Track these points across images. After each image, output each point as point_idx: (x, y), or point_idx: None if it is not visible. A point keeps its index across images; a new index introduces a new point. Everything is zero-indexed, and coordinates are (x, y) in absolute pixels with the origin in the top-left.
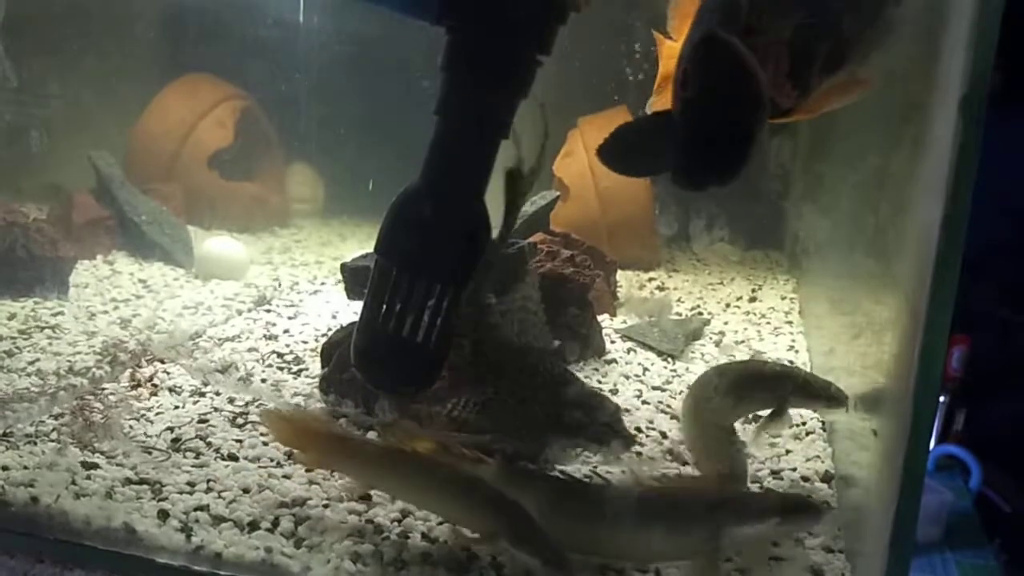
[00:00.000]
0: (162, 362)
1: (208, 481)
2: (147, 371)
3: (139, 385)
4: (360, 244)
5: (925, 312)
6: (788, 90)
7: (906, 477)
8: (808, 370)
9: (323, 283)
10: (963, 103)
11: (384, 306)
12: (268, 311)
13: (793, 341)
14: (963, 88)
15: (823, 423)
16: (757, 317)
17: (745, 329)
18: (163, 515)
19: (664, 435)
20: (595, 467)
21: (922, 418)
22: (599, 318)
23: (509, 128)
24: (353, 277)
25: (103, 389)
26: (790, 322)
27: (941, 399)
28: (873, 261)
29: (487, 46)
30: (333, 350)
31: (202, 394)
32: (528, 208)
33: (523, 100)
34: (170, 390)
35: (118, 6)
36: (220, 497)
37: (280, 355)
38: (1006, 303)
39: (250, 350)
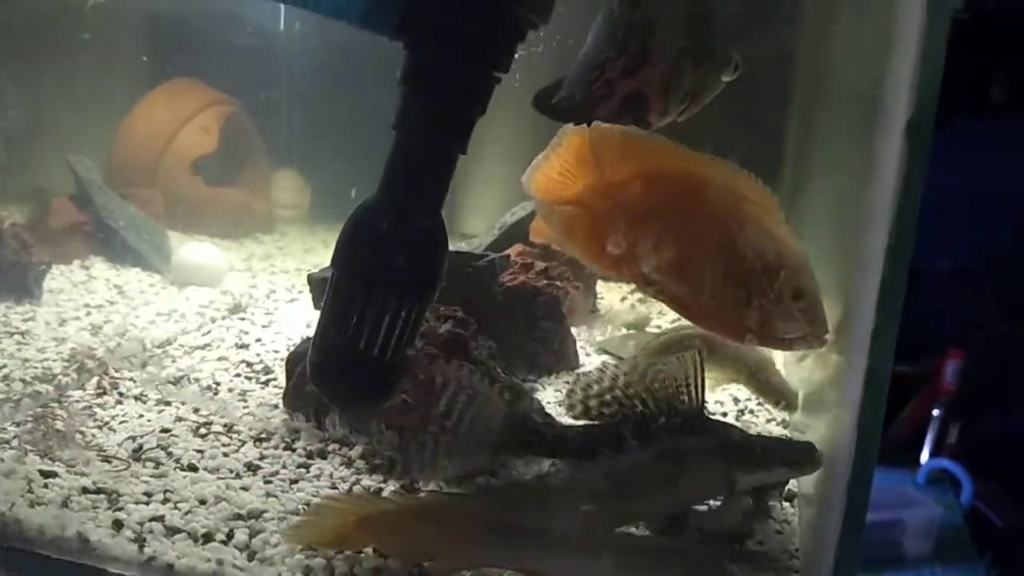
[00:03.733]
0: (127, 372)
1: (166, 492)
2: (113, 379)
3: (105, 393)
4: None
5: (870, 338)
6: (659, 102)
7: (849, 509)
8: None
9: (300, 291)
10: (909, 128)
11: (340, 320)
12: (242, 319)
13: (769, 353)
14: (908, 112)
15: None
16: None
17: (723, 343)
18: (117, 525)
19: None
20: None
21: (866, 444)
22: (576, 330)
23: (467, 143)
24: (320, 288)
25: (68, 396)
26: None
27: (935, 412)
28: (831, 283)
29: (444, 62)
30: (297, 362)
31: (168, 403)
32: (507, 219)
33: (481, 116)
34: (136, 398)
35: (104, 12)
36: (176, 508)
37: (249, 364)
38: (1001, 317)
39: (220, 359)
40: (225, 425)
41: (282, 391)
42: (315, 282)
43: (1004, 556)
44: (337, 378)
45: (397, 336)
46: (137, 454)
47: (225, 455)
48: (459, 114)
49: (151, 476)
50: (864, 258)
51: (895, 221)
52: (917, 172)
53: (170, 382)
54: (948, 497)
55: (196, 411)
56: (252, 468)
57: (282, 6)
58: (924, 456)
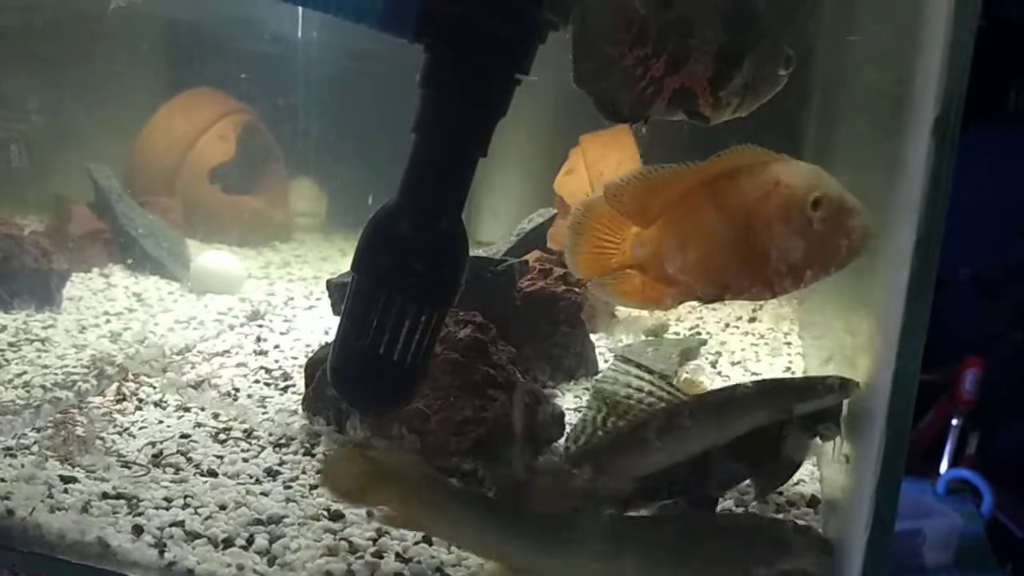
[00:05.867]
0: (147, 376)
1: (185, 497)
2: (133, 385)
3: (124, 399)
4: None
5: (898, 338)
6: (706, 96)
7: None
8: None
9: (319, 299)
10: (936, 125)
11: (360, 324)
12: (261, 326)
13: (790, 362)
14: (936, 110)
15: None
16: (756, 338)
17: (743, 350)
18: (137, 530)
19: None
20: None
21: (895, 448)
22: (594, 336)
23: (487, 146)
24: (339, 293)
25: (88, 403)
26: (789, 343)
27: (954, 422)
28: (852, 285)
29: (465, 64)
30: (316, 367)
31: (187, 409)
32: (525, 225)
33: (501, 118)
34: (156, 404)
35: (122, 20)
36: (196, 513)
37: (268, 371)
38: (1020, 326)
39: (238, 365)
40: (244, 431)
41: (301, 397)
42: (334, 287)
43: None
44: (357, 382)
45: (417, 340)
46: (157, 459)
47: (245, 460)
48: (479, 116)
49: (171, 481)
50: (892, 257)
51: (924, 214)
52: (945, 168)
53: (191, 386)
54: (968, 507)
55: (215, 417)
56: (272, 473)
57: (300, 13)
58: (943, 466)
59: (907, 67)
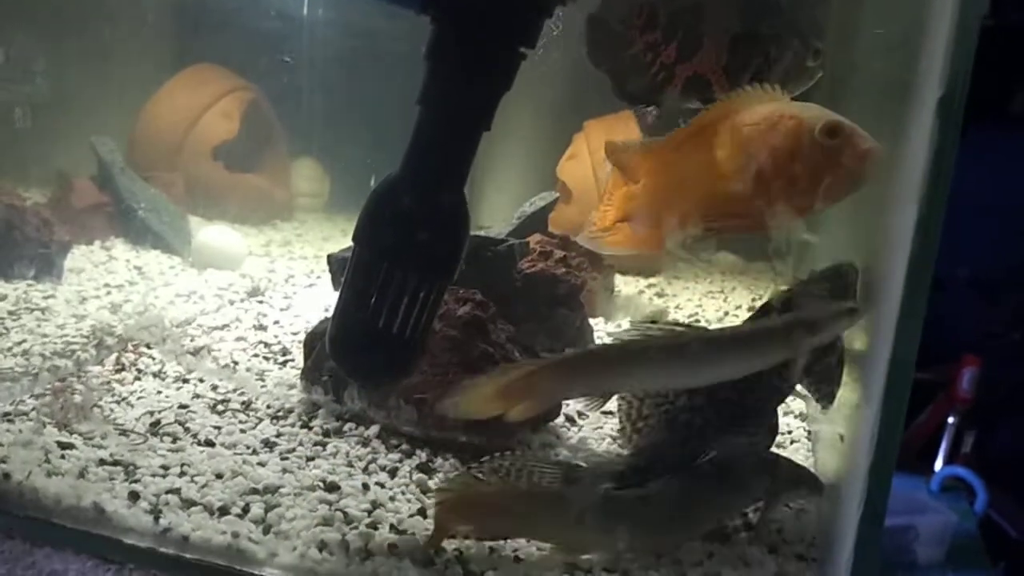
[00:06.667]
0: (147, 347)
1: (182, 465)
2: (132, 356)
3: (123, 369)
4: None
5: (897, 318)
6: (721, 84)
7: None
8: None
9: (319, 277)
10: (940, 105)
11: (360, 295)
12: (261, 302)
13: None
14: (940, 90)
15: (808, 432)
16: None
17: None
18: (134, 497)
19: None
20: None
21: (891, 429)
22: (593, 321)
23: (491, 120)
24: (340, 267)
25: (87, 372)
26: None
27: (950, 420)
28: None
29: (470, 37)
30: (315, 341)
31: (186, 380)
32: (526, 208)
33: (506, 92)
34: (154, 375)
35: None
36: (193, 481)
37: (267, 345)
38: (1019, 326)
39: (238, 339)
40: (243, 402)
41: (300, 371)
42: (335, 262)
43: (1018, 566)
44: (356, 353)
45: (416, 313)
46: (155, 428)
47: (242, 431)
48: (484, 90)
49: (168, 450)
50: (892, 239)
51: (926, 195)
52: (948, 149)
53: (191, 353)
54: (962, 505)
55: (214, 388)
56: (269, 445)
57: None
58: (938, 463)
59: (914, 47)
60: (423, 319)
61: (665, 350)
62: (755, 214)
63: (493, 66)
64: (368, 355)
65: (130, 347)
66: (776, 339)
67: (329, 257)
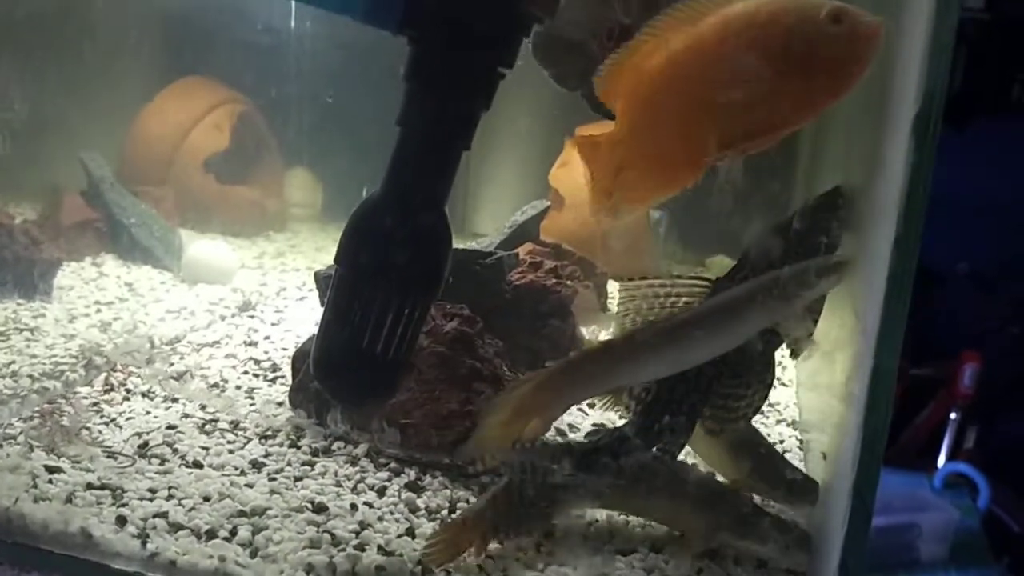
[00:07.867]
0: (133, 367)
1: (170, 488)
2: (121, 375)
3: (112, 389)
4: None
5: (876, 333)
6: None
7: (856, 503)
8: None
9: (311, 290)
10: (916, 122)
11: (343, 317)
12: (252, 317)
13: (782, 355)
14: (916, 106)
15: (800, 440)
16: None
17: None
18: (121, 521)
19: None
20: None
21: (873, 444)
22: (585, 330)
23: (471, 139)
24: (326, 285)
25: (76, 393)
26: None
27: (952, 416)
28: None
29: (449, 57)
30: (303, 360)
31: (175, 400)
32: (518, 217)
33: (485, 111)
34: (143, 395)
35: (117, 8)
36: (180, 504)
37: (257, 362)
38: (1019, 321)
39: (228, 356)
40: (231, 422)
41: (289, 389)
42: (321, 279)
43: (1021, 562)
44: (339, 375)
45: (400, 333)
46: (143, 450)
47: (230, 452)
48: (463, 109)
49: (156, 472)
50: (872, 254)
51: (903, 213)
52: (925, 166)
53: (173, 378)
54: (965, 501)
55: (202, 408)
56: (257, 465)
57: (292, 3)
58: (941, 460)
59: (890, 61)
60: (406, 339)
61: (666, 333)
62: (778, 121)
63: (471, 87)
64: (351, 376)
65: (119, 367)
66: (773, 296)
67: (315, 274)
